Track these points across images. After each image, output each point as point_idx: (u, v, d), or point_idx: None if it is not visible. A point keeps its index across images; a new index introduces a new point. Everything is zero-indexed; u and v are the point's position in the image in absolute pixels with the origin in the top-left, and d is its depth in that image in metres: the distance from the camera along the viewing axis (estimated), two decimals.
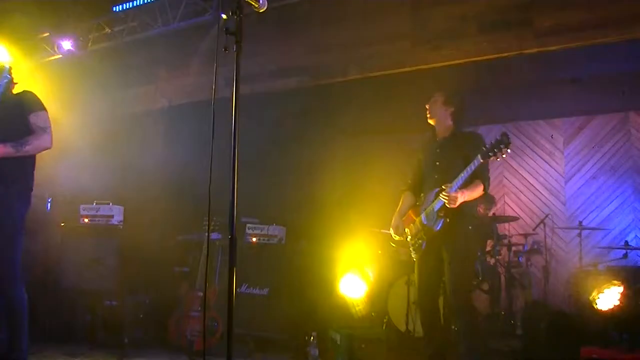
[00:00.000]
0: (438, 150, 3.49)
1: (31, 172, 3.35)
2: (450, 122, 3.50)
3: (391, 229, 3.61)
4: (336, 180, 7.03)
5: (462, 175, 3.15)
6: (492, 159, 3.05)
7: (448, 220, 3.24)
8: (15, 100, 3.31)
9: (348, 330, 3.95)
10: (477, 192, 3.25)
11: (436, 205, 3.30)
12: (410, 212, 3.59)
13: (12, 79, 3.28)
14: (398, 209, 3.66)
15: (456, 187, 3.17)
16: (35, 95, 3.38)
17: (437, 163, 3.46)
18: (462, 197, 3.15)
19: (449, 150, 3.43)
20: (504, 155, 2.99)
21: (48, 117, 3.36)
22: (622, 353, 3.38)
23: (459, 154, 3.36)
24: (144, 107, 6.42)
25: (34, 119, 3.28)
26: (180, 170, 6.07)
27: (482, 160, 3.08)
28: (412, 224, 3.52)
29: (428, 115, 3.55)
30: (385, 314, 4.94)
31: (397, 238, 3.60)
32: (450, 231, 3.27)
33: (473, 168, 3.12)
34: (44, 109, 3.36)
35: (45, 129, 3.30)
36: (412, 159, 3.73)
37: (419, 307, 3.61)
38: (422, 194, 3.60)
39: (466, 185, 3.22)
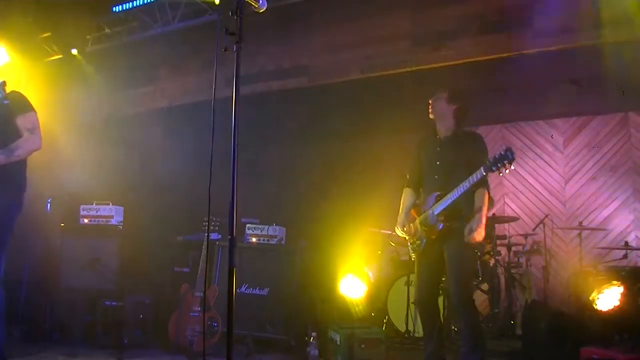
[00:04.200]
0: (439, 149, 3.48)
1: (23, 172, 3.33)
2: (452, 120, 3.48)
3: (397, 227, 3.60)
4: (336, 181, 7.04)
5: (463, 185, 3.15)
6: (495, 173, 3.02)
7: (448, 224, 3.26)
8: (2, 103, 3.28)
9: (348, 330, 3.94)
10: (486, 202, 3.26)
11: (436, 209, 3.30)
12: (412, 210, 3.59)
13: (4, 92, 3.23)
14: (401, 207, 3.65)
15: (456, 195, 3.18)
16: (23, 96, 3.33)
17: (438, 163, 3.45)
18: (482, 223, 3.18)
19: (450, 150, 3.42)
20: (507, 171, 2.96)
21: (36, 118, 3.32)
22: (623, 353, 3.37)
23: (460, 154, 3.36)
24: (144, 107, 6.41)
25: (21, 120, 3.25)
26: (181, 170, 6.07)
27: (484, 174, 3.06)
28: (411, 224, 3.52)
29: (430, 111, 3.53)
30: (385, 314, 4.94)
31: (402, 235, 3.59)
32: (449, 232, 3.28)
33: (474, 180, 3.11)
34: (32, 109, 3.32)
35: (33, 131, 3.27)
36: (411, 154, 3.71)
37: (418, 306, 3.60)
38: (422, 192, 3.60)
39: (470, 196, 3.24)
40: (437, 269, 3.40)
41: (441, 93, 3.51)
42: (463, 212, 3.30)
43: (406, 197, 3.67)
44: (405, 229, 3.55)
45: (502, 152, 2.97)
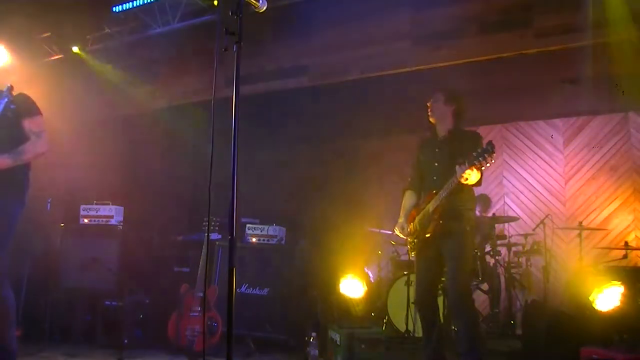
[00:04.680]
0: (437, 150, 3.49)
1: (27, 172, 3.33)
2: (451, 121, 3.50)
3: (396, 229, 3.62)
4: (336, 180, 7.04)
5: (452, 180, 3.17)
6: (478, 166, 3.05)
7: (441, 222, 3.27)
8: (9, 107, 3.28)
9: (348, 330, 3.94)
10: (476, 177, 3.21)
11: (431, 207, 3.32)
12: (412, 211, 3.60)
13: (11, 96, 3.21)
14: (402, 209, 3.66)
15: (447, 190, 3.20)
16: (30, 98, 3.33)
17: (436, 164, 3.46)
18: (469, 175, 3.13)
19: (448, 150, 3.42)
20: (487, 164, 3.00)
21: (42, 121, 3.32)
22: (622, 353, 3.37)
23: (458, 154, 3.33)
24: (144, 107, 6.41)
25: (28, 123, 3.25)
26: (181, 170, 6.07)
27: (468, 167, 3.07)
28: (411, 224, 3.53)
29: (429, 114, 3.55)
30: (385, 314, 4.94)
31: (402, 236, 3.61)
32: (447, 232, 3.29)
33: (460, 173, 3.11)
34: (38, 112, 3.32)
35: (40, 134, 3.27)
36: (412, 157, 3.73)
37: (417, 305, 3.60)
38: (422, 194, 3.61)
39: (467, 194, 3.29)
40: (436, 269, 3.41)
41: (438, 94, 3.53)
42: (461, 210, 3.31)
43: (407, 199, 3.69)
44: (404, 230, 3.56)
45: (483, 146, 3.03)
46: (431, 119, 3.55)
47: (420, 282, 3.50)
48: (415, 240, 3.47)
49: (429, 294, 3.45)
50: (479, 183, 3.30)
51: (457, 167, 3.13)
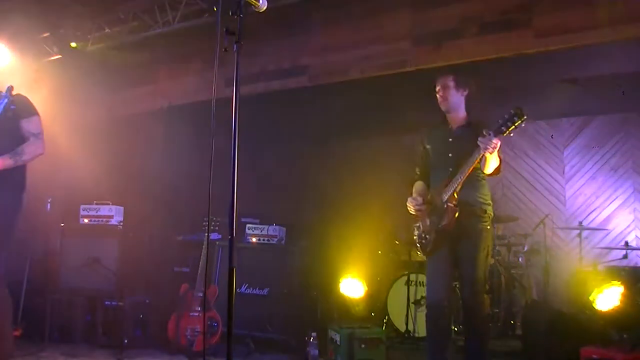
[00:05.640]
0: (451, 140, 3.24)
1: (23, 173, 3.34)
2: (464, 108, 3.28)
3: (408, 201, 3.34)
4: (336, 180, 7.03)
5: (473, 156, 2.91)
6: (505, 134, 2.78)
7: (458, 217, 3.03)
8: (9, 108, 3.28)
9: (348, 330, 3.94)
10: (496, 161, 3.03)
11: (445, 195, 3.09)
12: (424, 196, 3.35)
13: (11, 96, 3.21)
14: (413, 191, 3.42)
15: (465, 171, 2.97)
16: (27, 99, 3.34)
17: (450, 155, 3.20)
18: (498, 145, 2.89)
19: (464, 141, 3.13)
20: (516, 128, 2.71)
21: (40, 122, 3.33)
22: (622, 353, 3.37)
23: (474, 146, 3.04)
24: (144, 107, 6.41)
25: (26, 124, 3.26)
26: (181, 170, 6.06)
27: (494, 136, 2.78)
28: (420, 221, 3.33)
29: (440, 102, 3.30)
30: (385, 314, 4.94)
31: (412, 210, 3.33)
32: (465, 230, 3.08)
33: (485, 146, 2.83)
34: (36, 113, 3.33)
35: (38, 135, 3.28)
36: (417, 148, 3.47)
37: (431, 312, 3.24)
38: (431, 188, 3.36)
39: (482, 188, 3.12)
40: (449, 270, 3.18)
41: (447, 81, 3.29)
42: (481, 206, 3.13)
43: (417, 184, 3.44)
44: (415, 201, 3.30)
45: (511, 111, 2.75)
46: (442, 107, 3.30)
47: (434, 289, 3.21)
48: (427, 237, 3.22)
49: (444, 300, 3.15)
50: (497, 170, 3.10)
51: (479, 139, 2.82)
